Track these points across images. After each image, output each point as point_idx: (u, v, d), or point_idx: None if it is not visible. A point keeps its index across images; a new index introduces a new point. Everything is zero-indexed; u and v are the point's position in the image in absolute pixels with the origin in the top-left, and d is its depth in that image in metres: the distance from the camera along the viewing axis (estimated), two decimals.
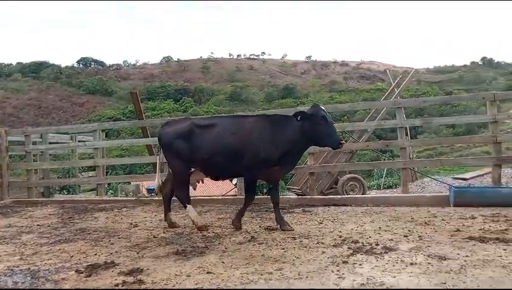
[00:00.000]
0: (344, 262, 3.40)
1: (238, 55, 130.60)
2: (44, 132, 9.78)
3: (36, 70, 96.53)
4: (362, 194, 10.38)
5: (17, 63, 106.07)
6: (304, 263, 3.45)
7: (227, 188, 12.87)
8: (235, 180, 8.83)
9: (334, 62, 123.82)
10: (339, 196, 7.31)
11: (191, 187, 5.35)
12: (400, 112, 7.43)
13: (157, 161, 5.51)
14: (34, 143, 9.31)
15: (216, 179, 5.51)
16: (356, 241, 4.04)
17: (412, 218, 5.09)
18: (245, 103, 72.47)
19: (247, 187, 4.99)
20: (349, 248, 3.84)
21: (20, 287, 3.23)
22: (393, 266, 3.27)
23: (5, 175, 8.72)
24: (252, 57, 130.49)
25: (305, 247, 3.98)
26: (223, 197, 8.35)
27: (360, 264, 3.33)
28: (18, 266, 3.82)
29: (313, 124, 4.58)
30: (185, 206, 5.11)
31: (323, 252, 3.76)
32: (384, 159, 13.50)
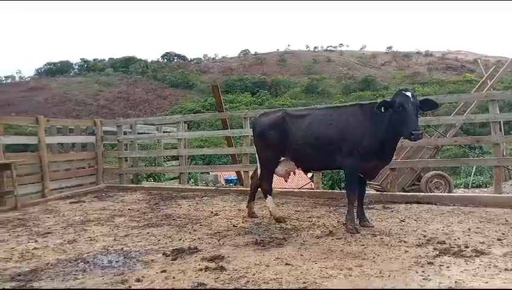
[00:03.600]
0: (429, 263, 3.24)
1: (315, 47, 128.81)
2: (134, 123, 10.49)
3: (125, 65, 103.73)
4: (448, 192, 9.74)
5: (109, 58, 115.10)
6: (386, 261, 3.34)
7: (303, 182, 12.84)
8: (310, 174, 8.78)
9: (417, 52, 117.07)
10: (423, 194, 6.94)
11: (282, 179, 5.42)
12: (493, 105, 6.83)
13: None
14: (125, 133, 10.03)
15: (307, 170, 5.58)
16: (443, 242, 3.82)
17: (506, 220, 4.68)
18: (321, 96, 71.37)
19: (349, 179, 4.70)
20: (434, 248, 3.64)
21: (114, 266, 3.52)
22: (485, 270, 3.04)
23: (100, 162, 9.54)
24: (329, 48, 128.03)
25: (386, 245, 3.86)
26: (300, 190, 8.35)
27: (448, 267, 3.15)
28: (112, 246, 4.18)
29: (394, 112, 4.27)
30: (266, 197, 5.20)
31: (406, 251, 3.61)
32: (473, 156, 12.53)
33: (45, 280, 3.20)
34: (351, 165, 4.57)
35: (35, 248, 4.19)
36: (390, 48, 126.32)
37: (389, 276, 3.00)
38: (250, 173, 6.23)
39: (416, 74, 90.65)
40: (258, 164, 5.45)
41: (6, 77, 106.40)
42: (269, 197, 5.17)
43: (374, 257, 3.46)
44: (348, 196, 4.66)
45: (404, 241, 3.94)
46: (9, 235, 4.83)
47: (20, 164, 7.35)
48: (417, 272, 3.05)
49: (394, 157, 7.17)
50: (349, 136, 4.53)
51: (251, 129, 8.03)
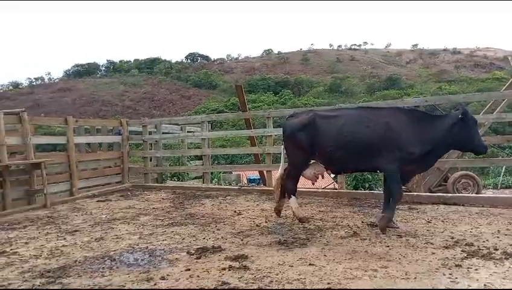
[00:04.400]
0: (457, 265, 3.16)
1: (338, 46, 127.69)
2: (159, 123, 10.64)
3: (150, 66, 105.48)
4: (476, 193, 9.49)
5: (134, 59, 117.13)
6: (412, 263, 3.29)
7: (326, 182, 12.74)
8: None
9: (444, 50, 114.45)
10: (450, 194, 6.77)
11: (310, 182, 5.41)
12: None
13: (282, 152, 5.55)
14: (150, 133, 10.19)
15: (337, 172, 5.56)
16: (471, 244, 3.72)
17: None
18: (345, 95, 70.65)
19: (395, 181, 4.53)
20: (463, 250, 3.56)
21: (140, 264, 3.59)
22: None
23: (125, 161, 9.73)
24: (353, 47, 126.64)
25: (412, 246, 3.79)
26: (324, 190, 8.29)
27: (476, 269, 3.07)
28: (138, 245, 4.25)
29: (465, 128, 4.34)
30: (289, 197, 5.17)
31: (433, 253, 3.54)
32: (503, 156, 12.17)
33: (73, 277, 3.28)
34: (393, 169, 4.49)
35: (63, 245, 4.31)
36: (416, 45, 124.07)
37: (415, 278, 2.94)
38: (275, 173, 6.13)
39: (443, 71, 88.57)
40: (282, 163, 5.45)
41: (36, 79, 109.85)
42: (293, 197, 5.15)
43: (399, 259, 3.41)
44: (397, 196, 4.56)
45: (431, 243, 3.86)
46: (39, 232, 4.99)
47: (50, 163, 7.57)
48: (444, 275, 2.98)
49: None
50: (393, 140, 4.46)
51: (276, 129, 8.07)
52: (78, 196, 7.88)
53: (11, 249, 4.19)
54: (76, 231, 5.02)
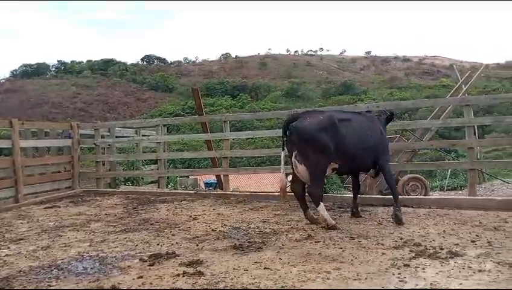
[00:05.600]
0: (406, 265, 3.28)
1: (295, 51, 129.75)
2: (112, 126, 10.35)
3: (104, 67, 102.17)
4: (424, 195, 9.93)
5: (87, 60, 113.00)
6: (363, 264, 3.38)
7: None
8: (290, 177, 8.80)
9: (395, 57, 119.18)
10: (400, 197, 7.05)
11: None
12: (468, 109, 7.01)
13: (282, 155, 5.24)
14: (102, 137, 9.87)
15: (347, 173, 6.00)
16: (418, 244, 3.88)
17: (480, 222, 4.78)
18: (301, 99, 71.81)
19: (392, 179, 5.57)
20: (411, 250, 3.70)
21: (89, 272, 3.45)
22: (460, 272, 3.10)
23: (76, 166, 9.34)
24: (309, 53, 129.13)
25: (364, 247, 3.89)
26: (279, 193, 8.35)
27: (423, 269, 3.20)
28: (88, 252, 4.09)
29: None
30: (318, 204, 4.85)
31: (383, 253, 3.65)
32: (449, 160, 12.83)
33: (17, 288, 3.10)
34: (388, 168, 5.39)
35: (7, 255, 4.07)
36: (369, 52, 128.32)
37: (366, 279, 3.02)
38: (283, 177, 5.42)
39: (394, 78, 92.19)
40: (283, 168, 5.24)
41: None
42: (322, 204, 4.87)
43: (351, 260, 3.49)
44: (395, 190, 5.36)
45: (382, 244, 3.98)
46: None
47: None
48: (394, 274, 3.09)
49: None
50: (384, 142, 5.44)
51: (233, 133, 8.05)
52: (24, 202, 7.47)
53: None
54: (21, 239, 4.75)
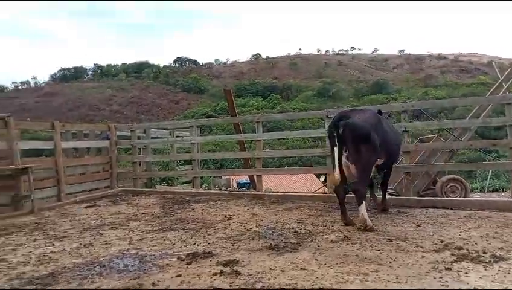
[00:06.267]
0: (447, 269, 3.19)
1: (326, 51, 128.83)
2: (147, 128, 10.57)
3: (138, 70, 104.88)
4: (464, 196, 9.61)
5: (122, 63, 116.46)
6: (402, 267, 3.31)
7: (315, 187, 12.79)
8: (322, 178, 8.73)
9: (430, 55, 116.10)
10: (439, 198, 6.85)
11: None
12: (509, 108, 6.71)
13: (336, 153, 4.96)
14: (138, 138, 10.12)
15: (382, 170, 5.94)
16: (460, 248, 3.76)
17: None
18: (333, 99, 71.13)
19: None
20: (452, 254, 3.59)
21: (130, 270, 3.55)
22: (505, 276, 2.99)
23: (114, 166, 9.63)
24: (340, 52, 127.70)
25: (402, 250, 3.81)
26: (314, 194, 8.31)
27: (466, 273, 3.10)
28: (128, 250, 4.20)
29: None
30: (361, 203, 4.75)
31: (423, 256, 3.56)
32: (489, 160, 12.35)
33: (63, 284, 3.23)
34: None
35: (52, 252, 4.24)
36: (402, 51, 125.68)
37: (405, 282, 2.96)
38: (338, 172, 5.10)
39: (429, 76, 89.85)
40: (337, 168, 4.95)
41: (22, 83, 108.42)
42: (364, 203, 4.78)
43: (390, 262, 3.43)
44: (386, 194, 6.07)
45: (421, 247, 3.89)
46: (27, 239, 4.90)
47: (37, 168, 7.45)
48: (435, 278, 3.01)
49: (408, 161, 7.12)
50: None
51: (265, 134, 8.05)
52: (66, 201, 7.76)
53: None
54: (64, 237, 4.94)
